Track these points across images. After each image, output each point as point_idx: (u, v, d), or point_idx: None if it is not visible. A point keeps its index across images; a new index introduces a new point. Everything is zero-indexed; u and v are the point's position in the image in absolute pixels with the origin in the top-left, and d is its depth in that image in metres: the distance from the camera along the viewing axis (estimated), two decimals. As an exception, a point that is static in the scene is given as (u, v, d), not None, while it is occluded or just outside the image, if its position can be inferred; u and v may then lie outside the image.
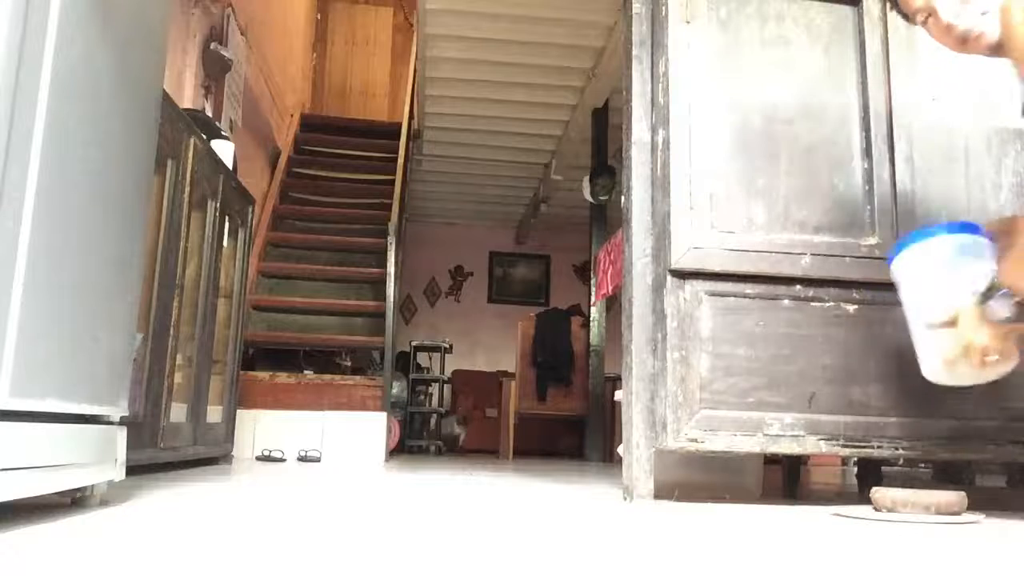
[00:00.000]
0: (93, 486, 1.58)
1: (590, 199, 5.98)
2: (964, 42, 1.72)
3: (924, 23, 1.76)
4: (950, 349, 1.71)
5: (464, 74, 5.54)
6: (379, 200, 6.14)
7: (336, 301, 5.45)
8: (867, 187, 2.33)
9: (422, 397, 7.16)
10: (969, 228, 1.77)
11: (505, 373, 7.00)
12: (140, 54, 1.69)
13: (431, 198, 8.09)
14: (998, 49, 1.69)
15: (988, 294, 1.68)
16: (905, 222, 2.28)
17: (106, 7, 1.47)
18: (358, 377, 5.05)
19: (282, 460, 4.08)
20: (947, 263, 1.75)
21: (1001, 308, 1.68)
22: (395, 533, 1.40)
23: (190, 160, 2.74)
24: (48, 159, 1.27)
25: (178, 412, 2.81)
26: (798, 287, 2.25)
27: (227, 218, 3.29)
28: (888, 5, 1.89)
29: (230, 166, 3.32)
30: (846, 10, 2.42)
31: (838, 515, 1.91)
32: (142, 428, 2.44)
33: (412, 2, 5.81)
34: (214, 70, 4.43)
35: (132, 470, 1.99)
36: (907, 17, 1.83)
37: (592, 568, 1.08)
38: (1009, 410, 2.23)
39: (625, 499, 2.24)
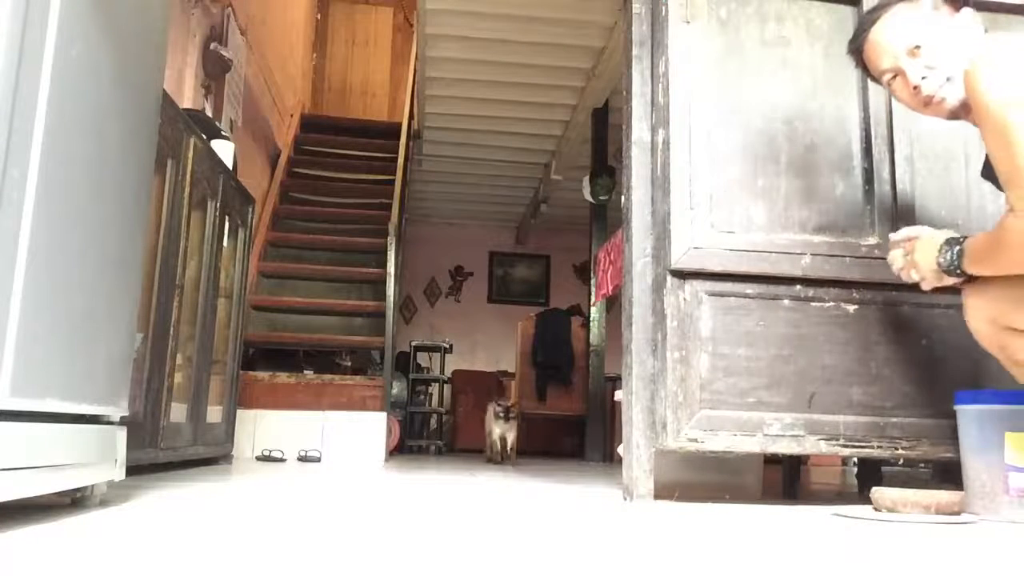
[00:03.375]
0: (93, 486, 1.58)
1: (590, 199, 5.98)
2: (927, 104, 1.80)
3: (891, 83, 1.85)
4: None
5: (464, 74, 5.53)
6: (379, 200, 6.14)
7: (336, 301, 5.45)
8: (867, 187, 2.33)
9: (422, 397, 7.16)
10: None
11: (505, 373, 7.01)
12: (140, 54, 1.69)
13: (431, 198, 8.08)
14: (957, 113, 1.77)
15: None
16: (905, 222, 2.28)
17: (106, 7, 1.47)
18: (358, 377, 5.05)
19: (282, 460, 4.08)
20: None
21: None
22: (395, 533, 1.40)
23: (190, 160, 2.74)
24: (48, 159, 1.27)
25: (178, 412, 2.81)
26: (798, 287, 2.25)
27: (227, 218, 3.29)
28: (855, 61, 1.95)
29: (230, 166, 3.32)
30: (846, 10, 2.42)
31: (838, 515, 1.91)
32: (142, 428, 2.44)
33: (412, 2, 5.80)
34: (214, 70, 4.42)
35: (132, 470, 1.99)
36: (873, 77, 1.93)
37: (592, 568, 1.08)
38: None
39: (625, 499, 2.24)
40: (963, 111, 1.77)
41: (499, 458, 4.61)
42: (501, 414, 4.65)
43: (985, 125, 1.65)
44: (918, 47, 1.77)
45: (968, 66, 1.66)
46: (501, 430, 4.64)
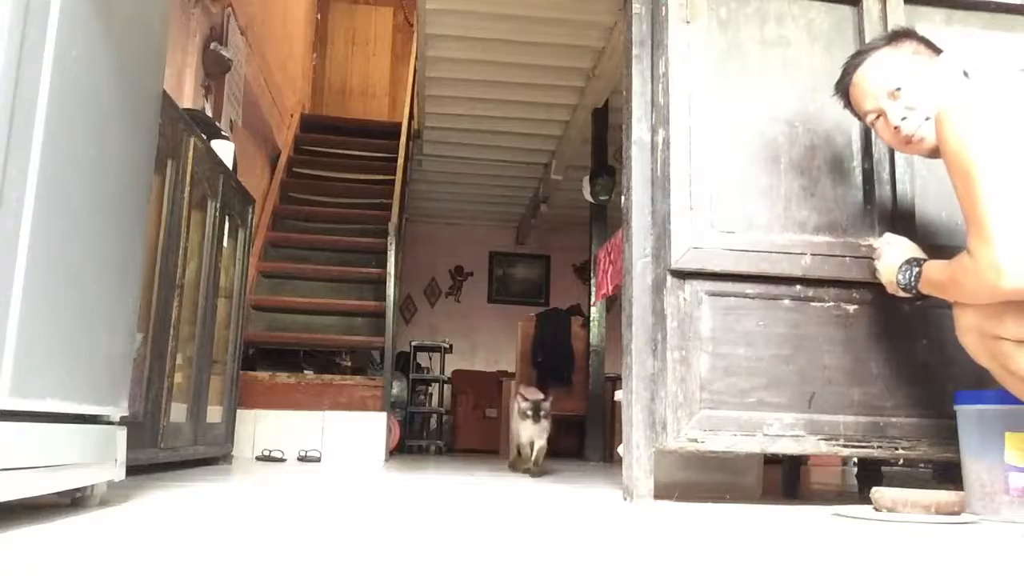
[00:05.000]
0: (93, 486, 1.58)
1: (590, 199, 5.98)
2: (908, 143, 1.90)
3: (874, 123, 1.96)
4: None
5: (464, 74, 5.53)
6: (379, 200, 6.14)
7: (336, 301, 5.45)
8: (867, 187, 2.33)
9: (422, 397, 7.16)
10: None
11: (505, 373, 7.00)
12: (140, 54, 1.69)
13: (431, 198, 8.08)
14: (936, 152, 1.84)
15: None
16: (905, 223, 2.28)
17: (106, 7, 1.47)
18: (358, 377, 5.05)
19: (282, 460, 4.08)
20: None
21: None
22: (395, 533, 1.40)
23: (190, 160, 2.74)
24: (48, 159, 1.27)
25: (178, 412, 2.81)
26: (798, 287, 2.25)
27: (227, 218, 3.29)
28: (842, 102, 2.06)
29: (230, 166, 3.32)
30: (846, 10, 2.42)
31: (838, 515, 1.91)
32: (142, 428, 2.43)
33: (412, 2, 5.80)
34: (214, 70, 4.42)
35: (132, 470, 1.99)
36: (858, 116, 2.03)
37: (593, 568, 1.08)
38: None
39: (625, 499, 2.24)
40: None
41: (532, 467, 3.41)
42: (529, 412, 3.40)
43: (952, 169, 1.72)
44: (898, 89, 1.87)
45: (939, 110, 1.73)
46: (529, 433, 3.42)
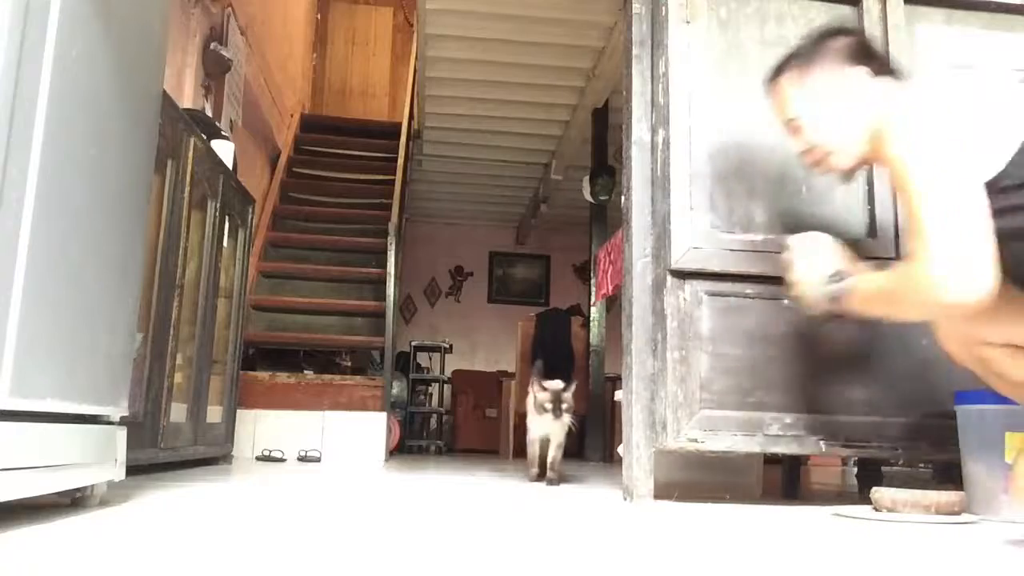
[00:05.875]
0: (93, 486, 1.58)
1: (590, 199, 5.98)
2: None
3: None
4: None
5: (464, 74, 5.53)
6: (379, 200, 6.14)
7: (336, 301, 5.45)
8: (868, 188, 2.33)
9: (422, 397, 7.16)
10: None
11: (505, 373, 6.99)
12: (140, 54, 1.69)
13: (431, 198, 8.08)
14: (851, 172, 1.75)
15: None
16: (905, 223, 2.28)
17: (106, 7, 1.47)
18: (358, 377, 5.05)
19: (282, 460, 4.08)
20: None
21: None
22: (396, 533, 1.40)
23: (190, 160, 2.74)
24: (48, 159, 1.27)
25: (178, 412, 2.81)
26: (798, 287, 2.24)
27: (227, 218, 3.29)
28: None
29: (230, 166, 3.32)
30: (846, 10, 2.42)
31: (838, 515, 1.91)
32: (142, 428, 2.43)
33: (412, 2, 5.80)
34: (214, 70, 4.42)
35: (132, 470, 1.99)
36: None
37: (593, 568, 1.09)
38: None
39: (625, 499, 2.24)
40: (862, 164, 1.72)
41: (549, 473, 2.89)
42: (548, 405, 2.82)
43: (893, 181, 1.62)
44: (794, 120, 1.75)
45: (878, 123, 1.61)
46: (546, 430, 2.90)
